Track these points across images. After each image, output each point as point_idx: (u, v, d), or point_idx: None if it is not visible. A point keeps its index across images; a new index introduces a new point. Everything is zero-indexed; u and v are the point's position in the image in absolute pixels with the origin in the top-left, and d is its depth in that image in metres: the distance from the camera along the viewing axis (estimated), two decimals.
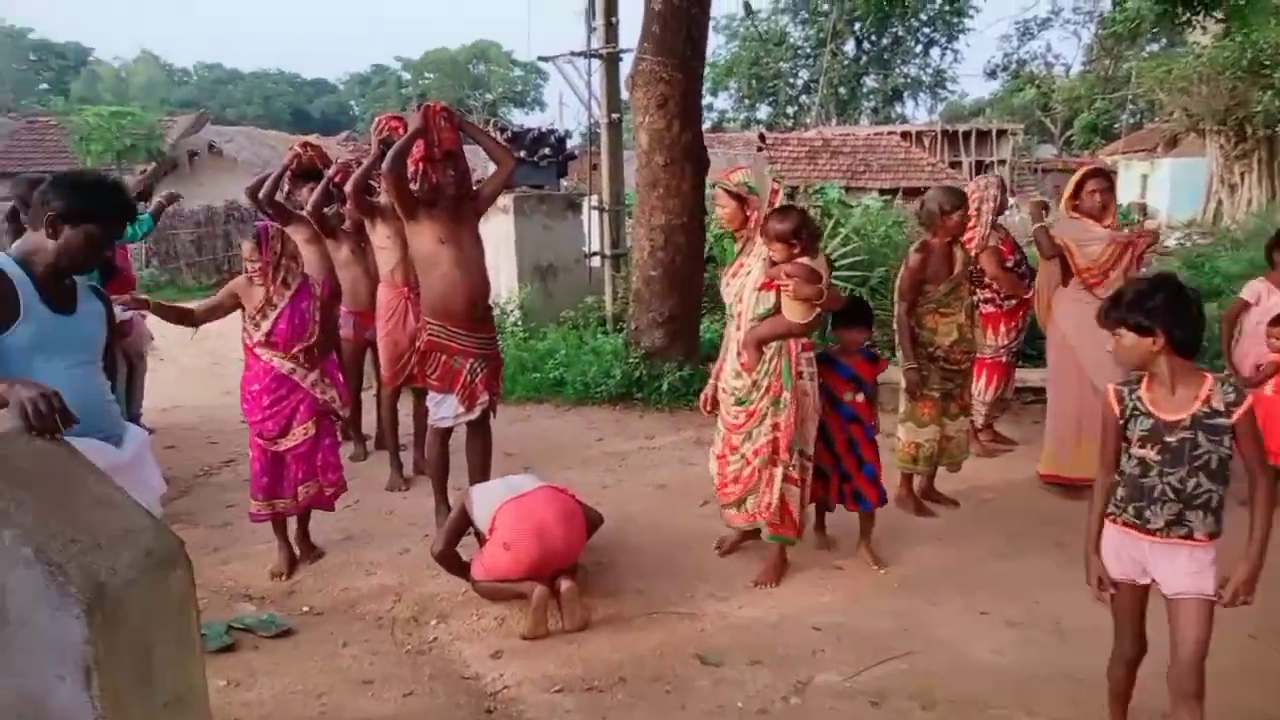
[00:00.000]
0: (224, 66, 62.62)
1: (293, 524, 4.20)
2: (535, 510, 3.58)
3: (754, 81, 43.99)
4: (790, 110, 44.38)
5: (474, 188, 4.48)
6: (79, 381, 2.44)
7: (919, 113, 46.87)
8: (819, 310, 3.60)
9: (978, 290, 5.35)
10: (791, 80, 44.60)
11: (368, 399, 5.96)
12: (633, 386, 6.74)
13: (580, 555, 3.77)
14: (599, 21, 9.32)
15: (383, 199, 5.03)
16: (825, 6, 39.56)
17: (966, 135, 29.12)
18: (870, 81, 44.81)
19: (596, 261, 9.68)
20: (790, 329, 3.60)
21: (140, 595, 1.92)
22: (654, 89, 6.55)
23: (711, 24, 8.85)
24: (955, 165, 27.24)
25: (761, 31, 44.14)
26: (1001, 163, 28.42)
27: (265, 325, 3.89)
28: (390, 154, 4.17)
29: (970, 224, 5.10)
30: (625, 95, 8.26)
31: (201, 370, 9.07)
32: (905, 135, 28.09)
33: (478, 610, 3.70)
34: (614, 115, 9.25)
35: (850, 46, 44.10)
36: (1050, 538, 4.25)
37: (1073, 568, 3.88)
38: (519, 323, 8.52)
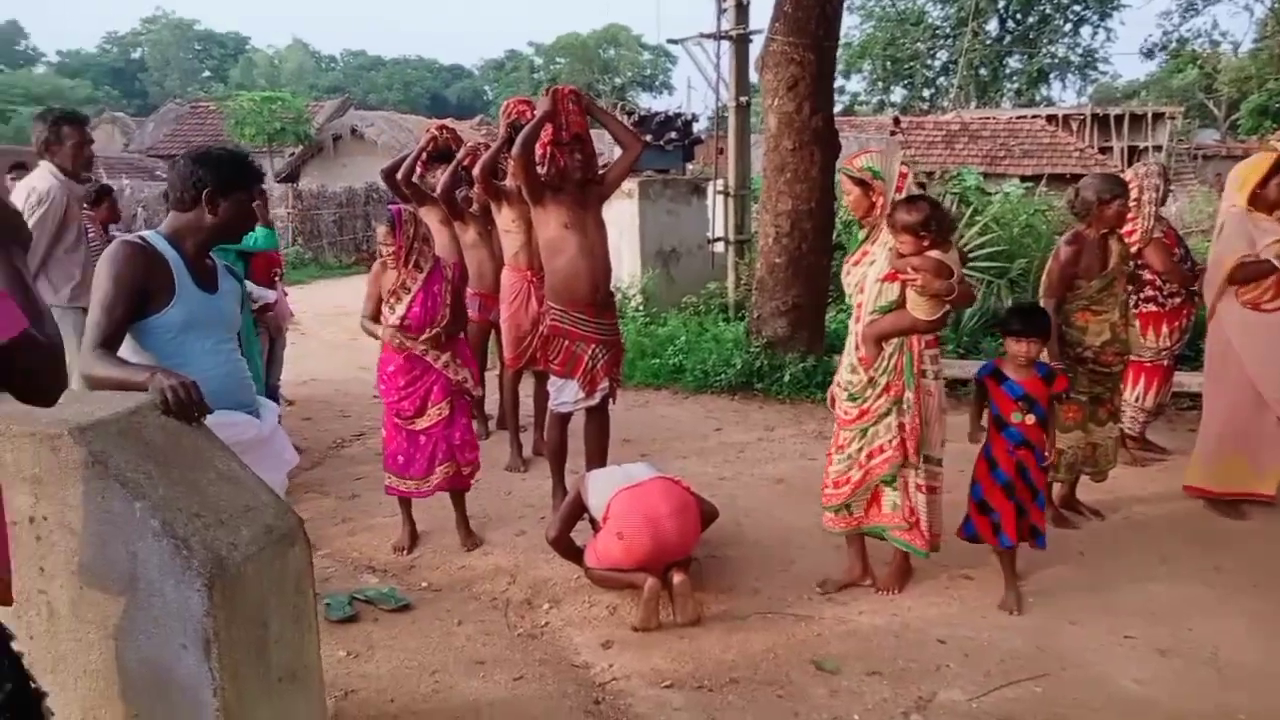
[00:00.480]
0: (368, 53, 65.29)
1: (429, 505, 4.28)
2: (650, 501, 3.52)
3: (889, 63, 42.58)
4: (927, 93, 42.79)
5: (600, 172, 4.44)
6: (224, 359, 2.51)
7: (1066, 95, 44.43)
8: (948, 307, 3.37)
9: (1138, 288, 4.94)
10: (929, 62, 42.90)
11: (490, 379, 6.04)
12: (753, 376, 6.60)
13: (694, 548, 3.68)
14: (729, 2, 9.16)
15: (509, 182, 5.06)
16: None
17: (1119, 119, 27.29)
18: (1014, 62, 42.64)
19: (720, 247, 9.55)
20: (915, 325, 3.37)
21: (259, 571, 1.96)
22: (785, 70, 6.36)
23: (845, 3, 8.56)
24: (1105, 151, 25.60)
25: (898, 11, 42.68)
26: (1158, 148, 26.51)
27: (400, 309, 3.95)
28: (520, 138, 4.17)
29: (1130, 215, 4.72)
30: (754, 78, 8.08)
31: (339, 345, 9.43)
32: (1051, 119, 26.57)
33: (590, 598, 3.67)
34: (742, 98, 9.08)
35: (993, 25, 42.07)
36: (1208, 560, 3.90)
37: (1234, 594, 3.59)
38: (640, 307, 8.49)
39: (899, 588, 3.67)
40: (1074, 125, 27.04)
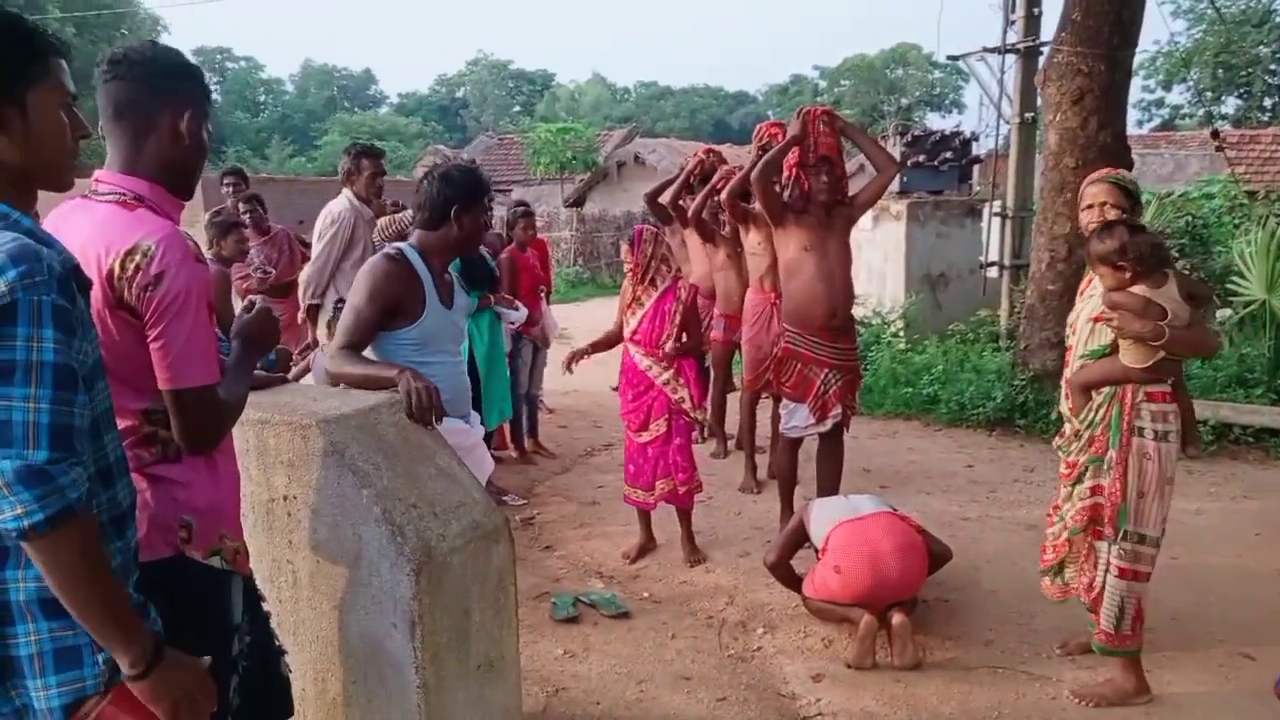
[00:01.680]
0: (658, 84, 68.35)
1: (661, 519, 4.41)
2: (871, 536, 3.38)
3: (1221, 71, 37.76)
4: (1268, 103, 37.44)
5: (850, 194, 4.36)
6: (452, 370, 2.75)
7: None
8: (1161, 353, 2.82)
9: None
10: (1273, 68, 37.56)
11: (732, 399, 6.09)
12: (1015, 411, 6.11)
13: (920, 589, 3.49)
14: (1019, 14, 8.60)
15: (757, 205, 5.10)
16: None
17: None
18: None
19: (994, 272, 8.95)
20: (1126, 374, 2.89)
21: (464, 562, 2.12)
22: (1069, 83, 5.87)
23: (1170, 6, 7.74)
24: None
25: (1237, 12, 37.74)
26: None
27: (633, 322, 4.13)
28: (762, 161, 4.20)
29: None
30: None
31: (602, 360, 9.82)
32: None
33: (806, 627, 3.59)
34: (1027, 114, 8.48)
35: None
36: None
37: None
38: (899, 333, 8.16)
39: (1097, 700, 3.02)
40: None
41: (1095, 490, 3.02)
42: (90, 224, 1.62)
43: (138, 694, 1.41)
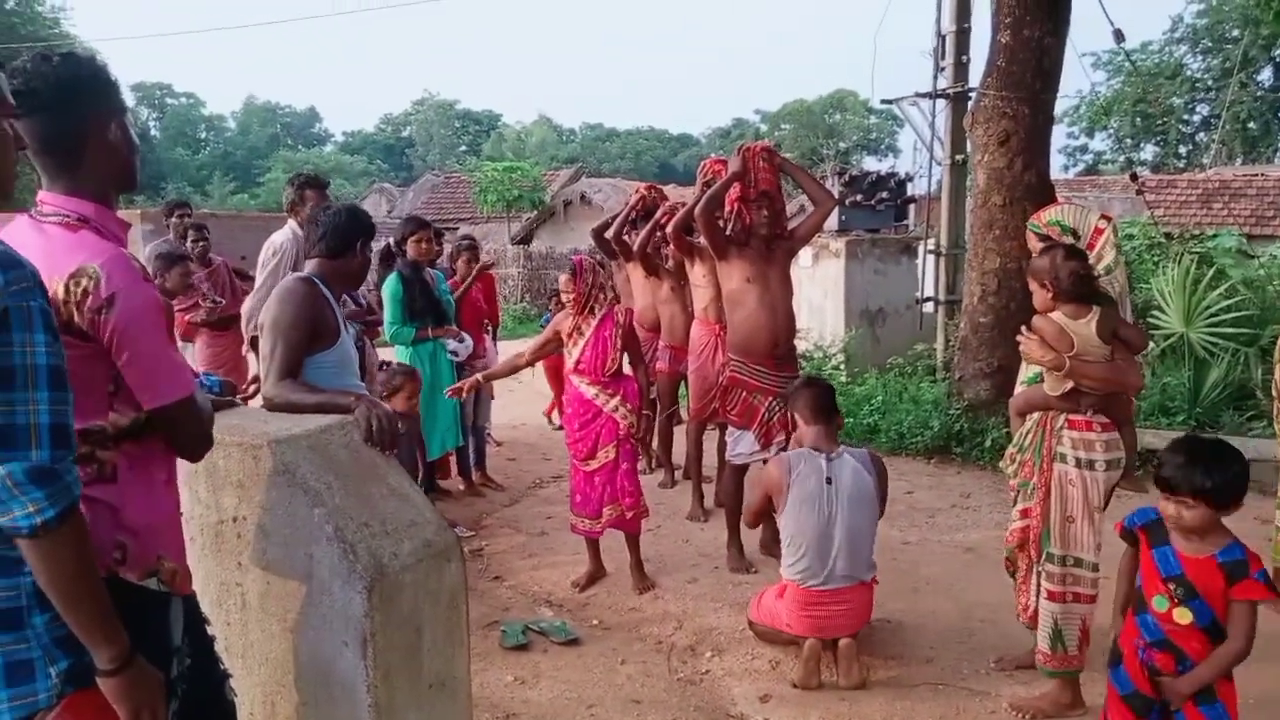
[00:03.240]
0: (604, 126, 69.14)
1: (610, 547, 4.43)
2: (829, 611, 3.38)
3: (1139, 119, 39.60)
4: (1183, 150, 39.32)
5: (789, 228, 4.51)
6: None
7: None
8: (1070, 383, 2.93)
9: None
10: (1186, 117, 39.54)
11: (679, 431, 6.16)
12: (951, 440, 6.30)
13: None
14: (948, 61, 8.99)
15: (701, 239, 5.23)
16: (1235, 33, 34.67)
17: None
18: None
19: (929, 307, 9.24)
20: (1047, 401, 3.01)
21: (416, 581, 2.14)
22: (995, 125, 6.16)
23: (1090, 59, 8.17)
24: None
25: (1152, 64, 39.71)
26: None
27: (575, 352, 4.19)
28: (705, 196, 4.33)
29: None
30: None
31: (550, 395, 9.94)
32: None
33: (753, 650, 3.64)
34: (958, 156, 8.83)
35: (1266, 75, 38.13)
36: None
37: None
38: (840, 366, 8.36)
39: (1034, 713, 3.10)
40: None
41: (1025, 513, 3.14)
42: (37, 244, 1.62)
43: (108, 692, 1.42)
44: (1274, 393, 3.67)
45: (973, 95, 8.50)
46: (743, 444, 4.38)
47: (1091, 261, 3.01)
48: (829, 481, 3.34)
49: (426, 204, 28.71)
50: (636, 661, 3.60)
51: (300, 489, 2.06)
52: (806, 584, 3.36)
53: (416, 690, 2.15)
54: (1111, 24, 8.30)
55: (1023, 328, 3.03)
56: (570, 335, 4.23)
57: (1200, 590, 2.26)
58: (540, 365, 8.43)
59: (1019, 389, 3.22)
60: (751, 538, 4.64)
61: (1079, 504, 2.99)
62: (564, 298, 4.23)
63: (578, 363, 4.19)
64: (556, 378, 8.30)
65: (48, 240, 1.62)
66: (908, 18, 9.84)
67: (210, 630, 1.99)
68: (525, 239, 24.04)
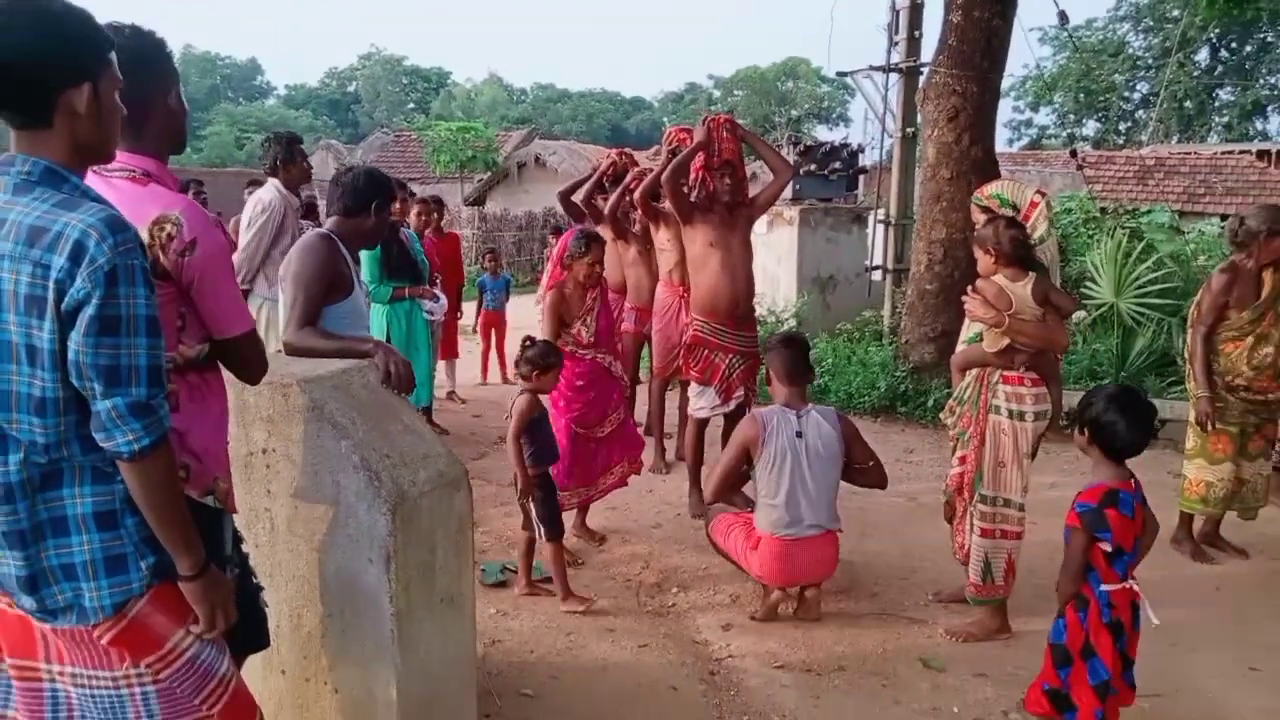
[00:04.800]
0: (556, 86, 68.42)
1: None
2: (800, 561, 3.56)
3: (1082, 95, 40.61)
4: (1122, 127, 40.50)
5: (751, 195, 4.78)
6: None
7: None
8: (1007, 341, 3.28)
9: None
10: (1126, 94, 40.64)
11: (642, 389, 6.45)
12: (897, 400, 6.70)
13: None
14: (901, 36, 9.28)
15: (667, 204, 5.48)
16: (1175, 12, 35.64)
17: None
18: (1225, 95, 39.66)
19: (878, 275, 9.63)
20: (984, 358, 3.37)
21: (431, 506, 2.40)
22: (945, 101, 6.49)
23: (1038, 34, 8.58)
24: None
25: (1097, 41, 40.69)
26: None
27: (592, 324, 4.23)
28: (672, 164, 4.58)
29: None
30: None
31: (510, 354, 10.15)
32: (1263, 155, 24.58)
33: (715, 587, 3.97)
34: (909, 129, 9.16)
35: (1203, 55, 39.33)
36: None
37: None
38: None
39: (965, 636, 3.49)
40: None
41: (962, 460, 3.50)
42: (109, 196, 1.83)
43: (188, 594, 1.65)
44: (1188, 351, 4.10)
45: (924, 71, 8.85)
46: (704, 399, 4.68)
47: (1028, 231, 3.34)
48: (799, 435, 3.56)
49: (377, 162, 28.27)
50: (609, 596, 3.89)
51: (329, 423, 2.30)
52: (779, 533, 3.53)
53: (430, 603, 2.42)
54: (1057, 5, 8.70)
55: (969, 288, 3.37)
56: (589, 309, 4.21)
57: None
58: (480, 324, 8.66)
59: (960, 348, 3.57)
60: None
61: (1010, 451, 3.35)
62: (583, 271, 4.13)
63: (595, 336, 4.22)
64: (487, 335, 8.54)
65: (119, 193, 1.82)
66: None
67: (245, 547, 2.22)
68: (478, 200, 23.99)
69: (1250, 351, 3.98)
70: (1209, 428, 4.04)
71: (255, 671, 2.37)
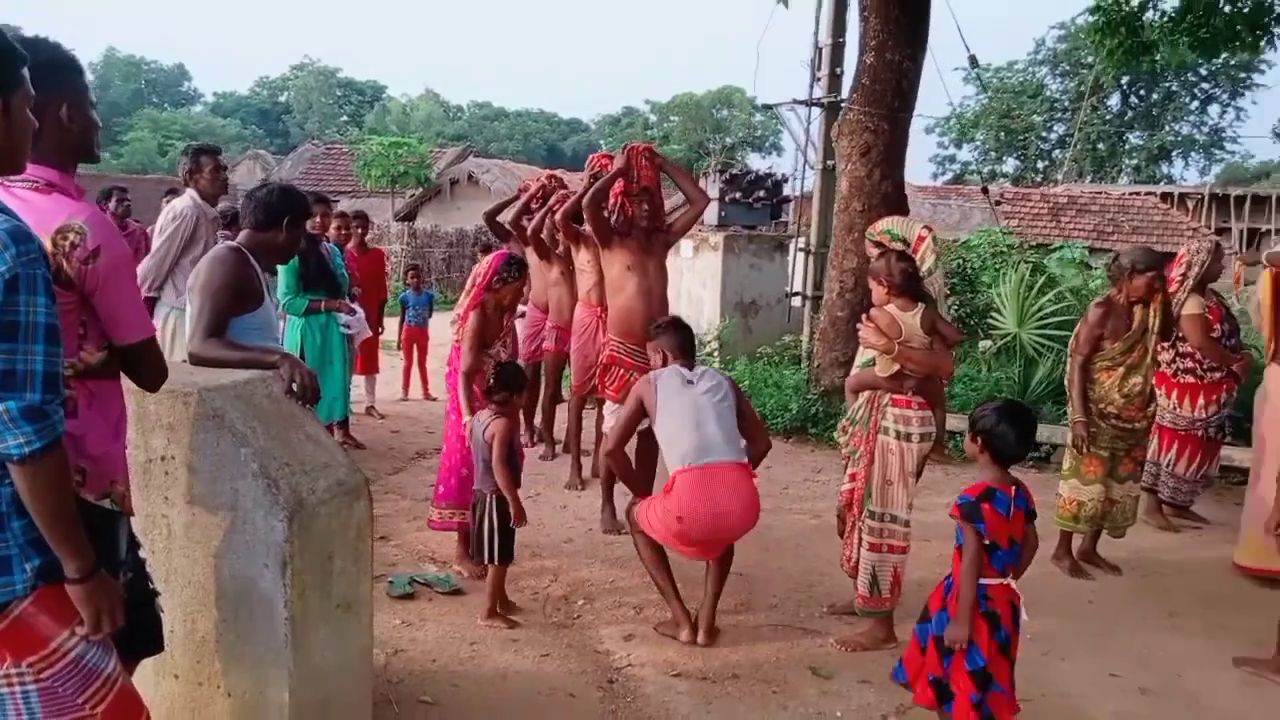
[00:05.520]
0: (493, 105, 68.35)
1: None
2: (718, 494, 3.46)
3: (1003, 134, 42.29)
4: (1040, 165, 42.23)
5: (668, 222, 4.95)
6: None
7: (1189, 174, 42.99)
8: (897, 366, 3.49)
9: (1179, 358, 5.12)
10: (1044, 134, 42.45)
11: (561, 408, 6.54)
12: (808, 421, 6.93)
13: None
14: (823, 72, 9.63)
15: (588, 228, 5.62)
16: (1090, 59, 37.43)
17: (1239, 200, 26.47)
18: (1135, 138, 41.75)
19: (798, 301, 9.91)
20: (875, 382, 3.58)
21: (329, 514, 2.47)
22: (858, 138, 6.78)
23: (961, 74, 9.00)
24: (1223, 232, 24.86)
25: (1017, 82, 42.44)
26: None
27: (509, 345, 4.38)
28: (592, 189, 4.72)
29: (1173, 288, 4.98)
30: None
31: (433, 371, 10.14)
32: (1166, 196, 26.02)
33: (620, 599, 4.08)
34: (829, 162, 9.49)
35: (1115, 100, 41.37)
36: (1216, 620, 4.04)
37: (1236, 651, 3.72)
38: (714, 353, 8.91)
39: (855, 646, 3.64)
40: (1190, 204, 26.39)
41: (852, 477, 3.70)
42: (16, 207, 1.87)
43: (74, 597, 1.70)
44: (1067, 380, 4.37)
45: (844, 106, 9.21)
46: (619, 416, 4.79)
47: (918, 263, 3.56)
48: (690, 383, 3.61)
49: (305, 174, 27.96)
50: (514, 610, 3.96)
51: (228, 431, 2.35)
52: (692, 462, 3.47)
53: (327, 609, 2.48)
54: (967, 49, 9.14)
55: (863, 316, 3.57)
56: (504, 334, 4.32)
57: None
58: (402, 340, 8.66)
59: (855, 371, 3.76)
60: (623, 503, 5.08)
61: (896, 469, 3.55)
62: (506, 298, 4.23)
63: (510, 356, 4.32)
64: (409, 351, 8.56)
65: (22, 203, 1.86)
66: (794, 23, 10.43)
67: (142, 552, 2.26)
68: (409, 216, 23.82)
69: (1121, 381, 4.27)
70: (1085, 450, 4.32)
71: (148, 676, 2.39)
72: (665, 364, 3.78)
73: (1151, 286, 4.31)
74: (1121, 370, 4.28)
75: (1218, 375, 5.06)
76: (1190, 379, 5.11)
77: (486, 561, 3.80)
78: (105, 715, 1.80)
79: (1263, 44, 8.20)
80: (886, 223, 3.81)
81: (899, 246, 3.65)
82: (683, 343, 3.81)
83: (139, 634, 2.18)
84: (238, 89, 64.44)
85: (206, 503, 2.39)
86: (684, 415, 3.55)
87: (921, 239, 3.62)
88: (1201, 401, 5.10)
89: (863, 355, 3.74)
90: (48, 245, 1.81)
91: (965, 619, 2.71)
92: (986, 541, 2.73)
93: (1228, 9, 7.89)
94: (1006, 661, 2.77)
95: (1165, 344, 4.88)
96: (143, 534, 2.42)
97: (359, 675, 2.68)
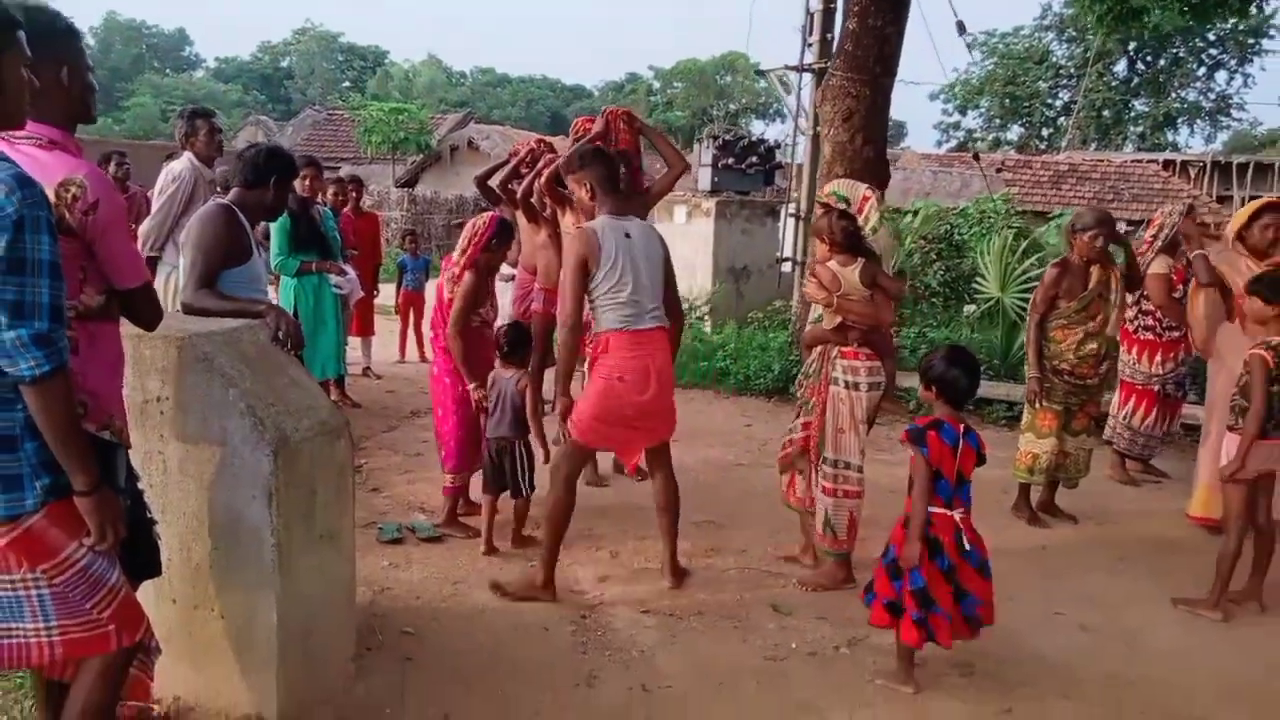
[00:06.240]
0: (496, 71, 67.92)
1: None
2: (655, 353, 3.60)
3: (1008, 101, 42.02)
4: (1045, 132, 42.01)
5: (645, 185, 5.10)
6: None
7: (1194, 142, 42.80)
8: (840, 319, 3.71)
9: (1141, 314, 5.31)
10: (1049, 101, 42.16)
11: (549, 371, 6.74)
12: (789, 382, 7.10)
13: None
14: (814, 38, 9.71)
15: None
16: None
17: (1242, 167, 26.42)
18: (1141, 105, 41.46)
19: (788, 267, 10.07)
20: (824, 335, 3.80)
21: (312, 451, 2.67)
22: (841, 103, 6.89)
23: (969, 39, 9.10)
24: (1224, 200, 24.85)
25: (1023, 48, 42.09)
26: None
27: (495, 305, 4.63)
28: (569, 154, 4.86)
29: (1143, 249, 5.15)
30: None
31: (429, 334, 10.34)
32: (1168, 164, 25.97)
33: (596, 545, 4.31)
34: (818, 128, 9.60)
35: (1121, 67, 41.04)
36: (1162, 564, 4.25)
37: (1177, 591, 3.93)
38: (705, 318, 9.10)
39: (815, 586, 3.86)
40: (1192, 172, 26.35)
41: (806, 425, 3.91)
42: (20, 160, 2.06)
43: (82, 508, 1.91)
44: (1025, 336, 4.55)
45: None
46: None
47: (861, 223, 3.75)
48: (628, 236, 3.61)
49: (307, 141, 27.98)
50: (497, 557, 4.19)
51: (218, 374, 2.55)
52: (628, 327, 3.56)
53: (311, 538, 2.69)
54: (955, 14, 9.21)
55: (806, 271, 3.76)
56: (489, 295, 4.54)
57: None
58: (399, 303, 8.85)
59: (809, 327, 3.96)
60: (605, 458, 5.29)
61: (847, 418, 3.77)
62: (497, 260, 4.51)
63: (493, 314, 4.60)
64: (405, 314, 8.76)
65: (26, 157, 2.05)
66: None
67: (140, 485, 2.47)
68: (410, 182, 23.90)
69: (1079, 345, 4.46)
70: (1039, 404, 4.52)
71: (148, 601, 2.59)
72: (592, 198, 3.72)
73: (1093, 245, 4.45)
74: (1080, 334, 4.46)
75: (1176, 334, 5.25)
76: (1150, 335, 5.31)
77: (514, 496, 4.22)
78: (110, 619, 2.03)
79: (1251, 7, 8.30)
80: (833, 184, 4.03)
81: (843, 206, 3.82)
82: (611, 173, 3.72)
83: (138, 559, 2.41)
84: (240, 54, 64.17)
85: (198, 440, 2.59)
86: (625, 275, 3.55)
87: (866, 199, 3.81)
88: (1159, 358, 5.30)
89: (815, 311, 3.93)
90: (51, 196, 2.00)
91: (916, 536, 2.98)
92: (935, 468, 2.98)
93: None
94: (949, 588, 3.01)
95: (1131, 298, 5.06)
96: (141, 469, 2.62)
97: (342, 600, 2.91)
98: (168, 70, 56.77)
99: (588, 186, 3.73)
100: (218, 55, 66.79)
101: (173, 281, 4.74)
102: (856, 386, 3.75)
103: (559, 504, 3.73)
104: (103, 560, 2.02)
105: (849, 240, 3.73)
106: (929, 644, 3.06)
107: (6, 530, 1.87)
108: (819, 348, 3.86)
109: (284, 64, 62.63)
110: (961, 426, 3.05)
